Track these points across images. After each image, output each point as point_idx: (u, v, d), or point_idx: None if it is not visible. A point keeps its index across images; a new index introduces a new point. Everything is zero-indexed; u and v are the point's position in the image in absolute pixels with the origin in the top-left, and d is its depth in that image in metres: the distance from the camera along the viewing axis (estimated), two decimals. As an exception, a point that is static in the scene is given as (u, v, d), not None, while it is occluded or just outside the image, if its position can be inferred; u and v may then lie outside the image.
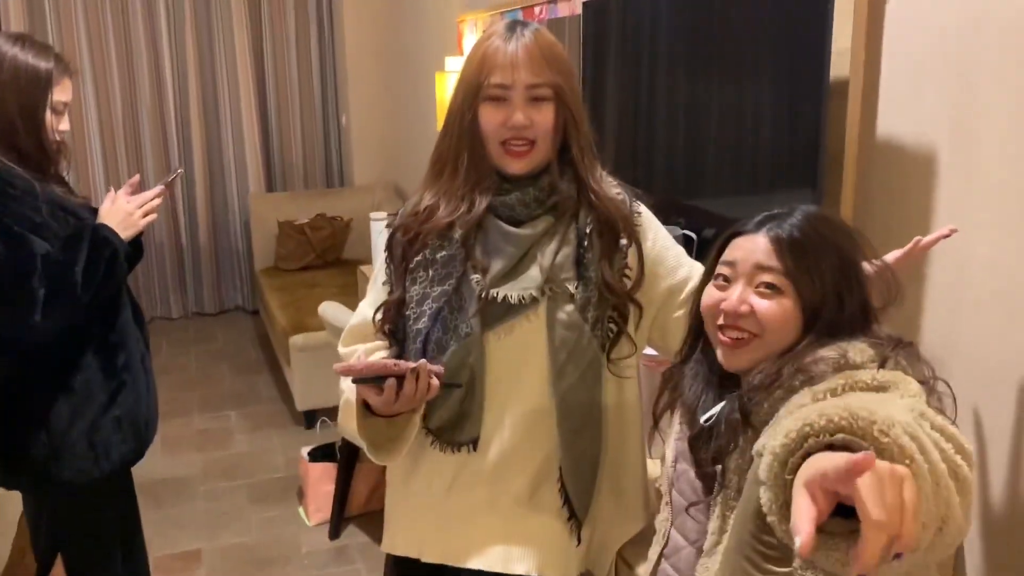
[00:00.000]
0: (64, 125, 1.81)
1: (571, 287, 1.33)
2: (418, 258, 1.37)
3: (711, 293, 1.16)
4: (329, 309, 2.76)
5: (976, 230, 1.43)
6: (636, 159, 2.24)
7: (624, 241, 1.37)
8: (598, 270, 1.34)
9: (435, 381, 1.27)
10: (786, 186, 1.77)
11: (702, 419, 1.16)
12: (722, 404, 1.14)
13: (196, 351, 4.80)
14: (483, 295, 1.32)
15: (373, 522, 2.93)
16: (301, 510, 3.08)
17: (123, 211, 1.84)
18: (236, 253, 5.42)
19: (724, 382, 1.18)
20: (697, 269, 1.42)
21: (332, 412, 3.19)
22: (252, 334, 5.07)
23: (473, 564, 1.38)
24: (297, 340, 3.62)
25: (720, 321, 1.14)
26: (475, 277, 1.33)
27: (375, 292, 1.46)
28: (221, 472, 3.40)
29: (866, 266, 1.15)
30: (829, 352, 1.04)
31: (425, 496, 1.44)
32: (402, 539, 1.49)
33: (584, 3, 2.39)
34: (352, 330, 1.49)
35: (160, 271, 5.29)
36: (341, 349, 1.50)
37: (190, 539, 2.93)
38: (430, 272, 1.36)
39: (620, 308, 1.37)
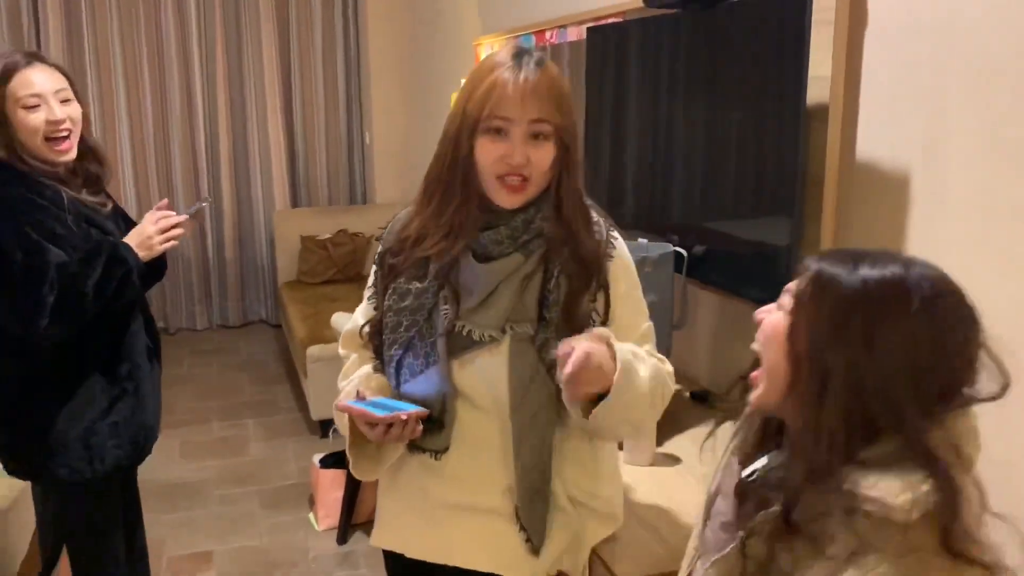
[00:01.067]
0: (42, 116, 1.83)
1: (530, 328, 1.36)
2: (395, 284, 1.43)
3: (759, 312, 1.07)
4: (340, 319, 2.85)
5: (946, 247, 1.49)
6: (630, 177, 2.32)
7: (595, 283, 1.38)
8: (560, 312, 1.35)
9: (420, 426, 1.35)
10: (768, 207, 1.83)
11: (744, 473, 1.09)
12: (764, 461, 1.07)
13: (219, 362, 4.93)
14: (452, 328, 1.37)
15: (382, 552, 3.00)
16: (311, 516, 3.17)
17: (144, 233, 1.91)
18: (261, 267, 5.56)
19: (770, 435, 1.10)
20: (651, 331, 1.46)
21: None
22: (274, 346, 5.19)
23: (447, 562, 1.46)
24: (314, 351, 3.72)
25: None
26: (444, 309, 1.37)
27: (367, 301, 1.54)
28: (236, 478, 3.50)
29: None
30: (871, 492, 0.89)
31: (407, 496, 1.51)
32: (388, 534, 1.56)
33: (588, 28, 2.48)
34: (347, 335, 1.57)
35: (186, 283, 5.44)
36: (340, 351, 1.59)
37: (203, 541, 3.03)
38: (406, 301, 1.41)
39: None
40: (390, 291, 1.44)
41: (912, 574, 0.87)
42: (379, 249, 1.50)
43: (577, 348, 1.19)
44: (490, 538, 1.44)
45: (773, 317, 1.00)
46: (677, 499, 1.69)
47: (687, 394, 2.23)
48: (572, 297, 1.36)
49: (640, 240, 2.09)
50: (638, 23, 2.23)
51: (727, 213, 1.99)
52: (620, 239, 1.45)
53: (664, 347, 1.99)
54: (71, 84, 1.95)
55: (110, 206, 2.01)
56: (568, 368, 1.19)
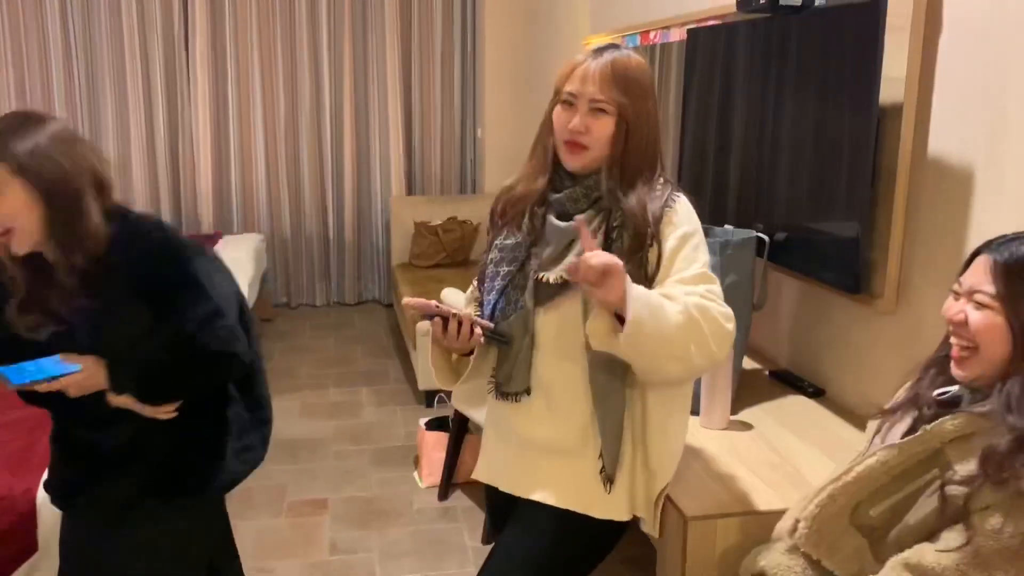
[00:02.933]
0: None
1: None
2: (496, 240, 1.69)
3: (947, 302, 1.31)
4: (450, 294, 3.12)
5: (1002, 238, 1.62)
6: (722, 170, 2.49)
7: (651, 239, 1.56)
8: (624, 260, 1.51)
9: (478, 330, 1.59)
10: (844, 198, 1.98)
11: (934, 394, 1.34)
12: (956, 388, 1.32)
13: (335, 335, 5.32)
14: (536, 277, 1.61)
15: (478, 489, 3.26)
16: (415, 474, 3.46)
17: None
18: (376, 250, 5.94)
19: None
20: (708, 271, 1.58)
21: (449, 392, 3.56)
22: (386, 324, 5.55)
23: (530, 496, 1.67)
24: (422, 326, 4.01)
25: (949, 329, 1.30)
26: (533, 262, 1.62)
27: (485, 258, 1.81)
28: (350, 437, 3.84)
29: None
30: None
31: (500, 435, 1.75)
32: (484, 468, 1.80)
33: (688, 29, 2.67)
34: (467, 295, 1.85)
35: (308, 262, 5.87)
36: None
37: (320, 489, 3.36)
38: (503, 253, 1.68)
39: None
40: (492, 246, 1.71)
41: None
42: (494, 204, 1.76)
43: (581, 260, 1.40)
44: (568, 477, 1.64)
45: (978, 315, 1.23)
46: (743, 456, 1.88)
47: (766, 372, 2.40)
48: (631, 251, 1.56)
49: (726, 227, 2.27)
50: (733, 26, 2.40)
51: (807, 203, 2.14)
52: (683, 198, 1.62)
53: (744, 327, 2.17)
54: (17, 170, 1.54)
55: None
56: (576, 263, 1.41)
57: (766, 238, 2.20)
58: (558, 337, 1.62)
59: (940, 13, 1.78)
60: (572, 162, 1.60)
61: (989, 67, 1.66)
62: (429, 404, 4.12)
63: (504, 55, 5.47)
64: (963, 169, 1.73)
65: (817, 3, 2.03)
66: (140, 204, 5.59)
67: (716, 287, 1.57)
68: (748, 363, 2.43)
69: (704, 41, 2.57)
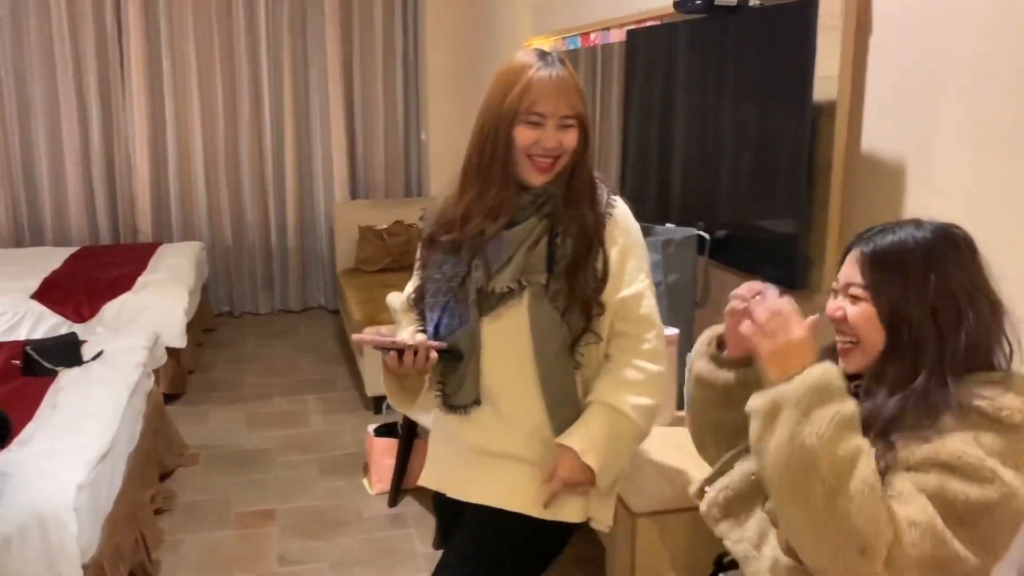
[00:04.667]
0: None
1: (542, 279, 1.58)
2: (435, 257, 1.67)
3: (828, 303, 1.33)
4: (394, 298, 3.09)
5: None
6: (662, 168, 2.51)
7: (596, 245, 1.59)
8: (566, 267, 1.57)
9: (434, 354, 1.58)
10: (780, 195, 2.02)
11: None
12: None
13: (280, 343, 5.24)
14: (481, 288, 1.60)
15: (428, 494, 3.22)
16: (365, 481, 3.42)
17: None
18: (320, 256, 5.87)
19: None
20: (649, 289, 1.65)
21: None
22: (332, 330, 5.48)
23: (482, 501, 1.67)
24: (369, 331, 3.98)
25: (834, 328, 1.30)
26: (476, 275, 1.60)
27: (414, 274, 1.79)
28: (297, 446, 3.78)
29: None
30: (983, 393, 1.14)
31: (447, 443, 1.75)
32: (432, 475, 1.79)
33: (628, 30, 2.69)
34: (401, 303, 1.82)
35: (251, 270, 5.77)
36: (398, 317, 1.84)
37: (267, 500, 3.30)
38: (444, 270, 1.65)
39: (584, 307, 1.59)
40: (431, 264, 1.68)
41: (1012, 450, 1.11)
42: (422, 230, 1.73)
43: (554, 481, 1.58)
44: (518, 480, 1.64)
45: (854, 309, 1.24)
46: (690, 451, 1.88)
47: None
48: (575, 257, 1.57)
49: (668, 225, 2.29)
50: (671, 27, 2.43)
51: (746, 201, 2.17)
52: (620, 204, 1.66)
53: (687, 323, 2.19)
54: None
55: None
56: (545, 501, 1.59)
57: (707, 236, 2.22)
58: (504, 345, 1.62)
59: (870, 13, 1.82)
60: (540, 178, 1.58)
61: (918, 65, 1.70)
62: (378, 410, 4.08)
63: (446, 58, 5.45)
64: (896, 164, 1.77)
65: (752, 3, 2.06)
66: (76, 214, 5.44)
67: (648, 309, 1.64)
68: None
69: (643, 42, 2.59)
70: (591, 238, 1.59)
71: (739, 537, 1.32)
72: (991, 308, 1.20)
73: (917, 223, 1.24)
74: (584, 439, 1.57)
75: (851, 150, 1.90)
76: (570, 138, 1.56)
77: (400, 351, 1.56)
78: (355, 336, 1.60)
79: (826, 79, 1.89)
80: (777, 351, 1.20)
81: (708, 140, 2.29)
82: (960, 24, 1.60)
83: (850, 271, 1.26)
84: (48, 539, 2.14)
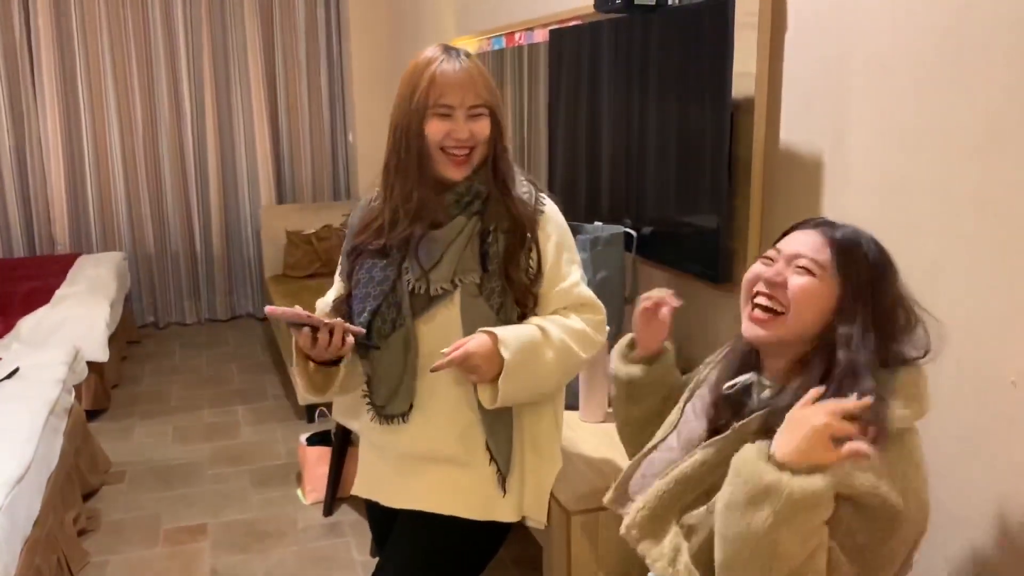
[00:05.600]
0: None
1: (476, 278, 1.57)
2: (363, 262, 1.63)
3: (754, 268, 1.33)
4: (323, 303, 3.04)
5: (850, 221, 1.70)
6: (586, 167, 2.53)
7: (529, 237, 1.59)
8: (500, 263, 1.57)
9: (350, 338, 1.54)
10: (703, 190, 2.04)
11: (725, 386, 1.35)
12: (743, 377, 1.34)
13: (208, 354, 5.11)
14: (412, 290, 1.58)
15: (363, 502, 3.20)
16: (299, 491, 3.36)
17: None
18: (247, 262, 5.75)
19: (748, 358, 1.37)
20: (582, 281, 1.67)
21: (330, 405, 3.47)
22: (261, 339, 5.38)
23: (416, 507, 1.65)
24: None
25: (757, 287, 1.29)
26: (408, 278, 1.58)
27: (337, 280, 1.75)
28: (227, 458, 3.69)
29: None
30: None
31: (378, 450, 1.72)
32: (365, 484, 1.77)
33: (551, 30, 2.69)
34: (324, 311, 1.76)
35: (175, 279, 5.62)
36: None
37: (197, 515, 3.21)
38: (373, 273, 1.62)
39: (520, 299, 1.60)
40: (358, 269, 1.64)
41: None
42: (346, 235, 1.70)
43: (460, 348, 1.50)
44: (450, 483, 1.63)
45: (800, 280, 1.25)
46: (617, 446, 1.90)
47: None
48: (509, 251, 1.57)
49: (596, 223, 2.31)
50: (591, 26, 2.44)
51: (671, 197, 2.20)
52: (549, 201, 1.67)
53: (617, 320, 2.21)
54: None
55: None
56: (440, 363, 1.50)
57: (634, 233, 2.24)
58: (438, 347, 1.59)
59: (785, 11, 1.86)
60: (459, 173, 1.57)
61: (831, 61, 1.75)
62: (310, 419, 4.01)
63: (371, 58, 5.40)
64: (813, 159, 1.82)
65: (671, 3, 2.08)
66: (-14, 225, 5.22)
67: (588, 293, 1.65)
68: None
69: (566, 42, 2.60)
70: (523, 229, 1.59)
71: (658, 555, 1.32)
72: (910, 317, 1.25)
73: (857, 228, 1.29)
74: (507, 334, 1.53)
75: (770, 145, 1.94)
76: (481, 127, 1.56)
77: (315, 328, 1.52)
78: (268, 308, 1.52)
79: (744, 76, 1.92)
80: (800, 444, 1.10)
81: (633, 138, 2.31)
82: (868, 21, 1.64)
83: (806, 247, 1.26)
84: (-38, 567, 2.05)
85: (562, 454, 1.72)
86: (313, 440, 3.32)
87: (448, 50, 1.57)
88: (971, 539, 1.48)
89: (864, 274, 1.24)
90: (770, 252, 1.33)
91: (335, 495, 3.22)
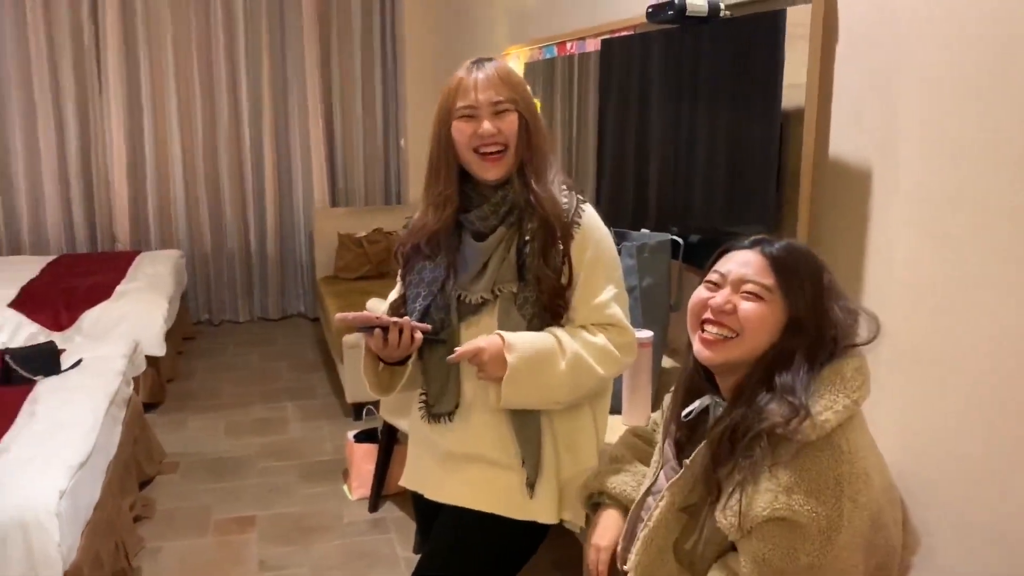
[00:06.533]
0: None
1: (513, 288, 1.63)
2: (415, 265, 1.72)
3: (700, 294, 1.38)
4: (374, 304, 3.12)
5: (896, 231, 1.72)
6: (637, 175, 2.56)
7: (560, 240, 1.63)
8: (533, 271, 1.62)
9: (418, 335, 1.60)
10: (751, 199, 2.06)
11: (682, 413, 1.42)
12: (698, 402, 1.40)
13: (259, 351, 5.24)
14: (457, 296, 1.66)
15: (408, 499, 3.26)
16: (345, 487, 3.44)
17: None
18: (299, 263, 5.88)
19: (702, 380, 1.43)
20: (619, 297, 1.70)
21: (377, 403, 3.55)
22: (311, 338, 5.49)
23: (456, 503, 1.71)
24: (349, 338, 3.99)
25: (706, 315, 1.36)
26: (451, 283, 1.66)
27: (397, 283, 1.83)
28: (276, 453, 3.78)
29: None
30: (777, 407, 1.23)
31: (425, 446, 1.78)
32: (411, 477, 1.83)
33: (602, 40, 2.73)
34: (384, 310, 1.84)
35: (230, 278, 5.77)
36: None
37: (246, 507, 3.31)
38: (423, 276, 1.70)
39: (550, 305, 1.64)
40: (411, 272, 1.72)
41: None
42: (398, 243, 1.79)
43: (473, 345, 1.58)
44: (489, 482, 1.69)
45: (750, 306, 1.30)
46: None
47: (685, 371, 2.46)
48: (540, 260, 1.61)
49: (643, 230, 2.34)
50: (643, 37, 2.48)
51: (719, 206, 2.22)
52: (590, 210, 1.70)
53: (661, 326, 2.24)
54: None
55: None
56: (454, 356, 1.58)
57: (680, 240, 2.26)
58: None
59: (836, 23, 1.87)
60: (493, 172, 1.63)
61: (880, 73, 1.76)
62: (357, 417, 4.09)
63: (425, 65, 5.49)
64: (861, 170, 1.83)
65: (723, 14, 2.11)
66: (53, 222, 5.42)
67: (618, 314, 1.67)
68: (667, 362, 2.49)
69: (617, 51, 2.64)
70: (551, 229, 1.62)
71: None
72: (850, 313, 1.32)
73: (790, 241, 1.37)
74: (517, 339, 1.59)
75: (819, 156, 1.95)
76: (507, 123, 1.62)
77: (385, 329, 1.58)
78: (339, 315, 1.59)
79: (795, 87, 1.94)
80: None
81: (682, 147, 2.34)
82: (917, 34, 1.65)
83: (750, 270, 1.31)
84: (30, 545, 2.14)
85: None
86: (360, 437, 3.40)
87: (477, 61, 1.65)
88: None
89: (807, 289, 1.30)
90: (712, 276, 1.37)
91: (380, 492, 3.28)
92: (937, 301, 1.61)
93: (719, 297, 1.32)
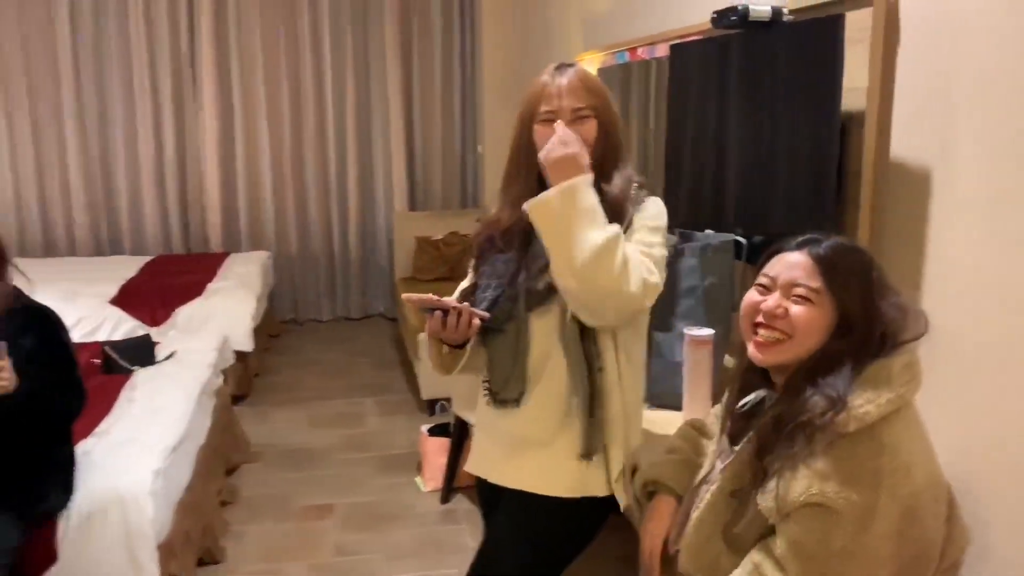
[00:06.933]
0: None
1: None
2: (487, 257, 1.81)
3: (751, 296, 1.43)
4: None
5: (957, 234, 1.73)
6: (703, 177, 2.60)
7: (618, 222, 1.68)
8: None
9: (476, 321, 1.69)
10: (814, 201, 2.09)
11: (737, 405, 1.47)
12: (753, 395, 1.45)
13: (341, 349, 5.44)
14: (529, 287, 1.73)
15: (476, 481, 3.36)
16: (418, 479, 3.56)
17: None
18: (380, 265, 6.07)
19: (757, 375, 1.47)
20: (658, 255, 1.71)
21: (450, 399, 3.67)
22: (390, 337, 5.66)
23: (519, 487, 1.79)
24: (424, 337, 4.13)
25: (758, 319, 1.40)
26: (523, 273, 1.73)
27: (468, 273, 1.92)
28: (354, 445, 3.95)
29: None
30: (819, 400, 1.28)
31: (490, 433, 1.87)
32: (476, 462, 1.92)
33: (671, 45, 2.79)
34: (454, 298, 1.95)
35: (314, 279, 6.01)
36: None
37: (325, 495, 3.46)
38: (496, 268, 1.78)
39: None
40: (484, 263, 1.82)
41: None
42: (473, 235, 1.88)
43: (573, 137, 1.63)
44: (549, 466, 1.76)
45: (800, 309, 1.34)
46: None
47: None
48: None
49: (707, 231, 2.38)
50: (711, 41, 2.52)
51: (781, 207, 2.25)
52: (652, 200, 1.77)
53: (724, 324, 2.28)
54: None
55: None
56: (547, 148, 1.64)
57: (744, 241, 2.30)
58: (545, 338, 1.74)
59: (898, 26, 1.89)
60: None
61: (939, 75, 1.77)
62: (431, 412, 4.22)
63: (502, 73, 5.61)
64: (921, 171, 1.84)
65: (785, 19, 2.14)
66: (151, 226, 5.74)
67: (660, 254, 1.70)
68: (730, 360, 2.53)
69: (685, 56, 2.69)
70: (615, 215, 1.67)
71: None
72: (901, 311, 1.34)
73: (838, 239, 1.39)
74: (593, 199, 1.62)
75: (880, 158, 1.96)
76: (587, 129, 1.69)
77: (445, 312, 1.68)
78: (405, 295, 1.69)
79: (857, 90, 1.96)
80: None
81: (747, 150, 2.38)
82: (975, 37, 1.66)
83: (797, 273, 1.35)
84: (127, 519, 2.32)
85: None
86: (434, 431, 3.52)
87: (560, 66, 1.73)
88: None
89: (855, 286, 1.32)
90: (762, 279, 1.41)
91: (452, 484, 3.40)
92: (998, 302, 1.62)
93: (770, 301, 1.37)
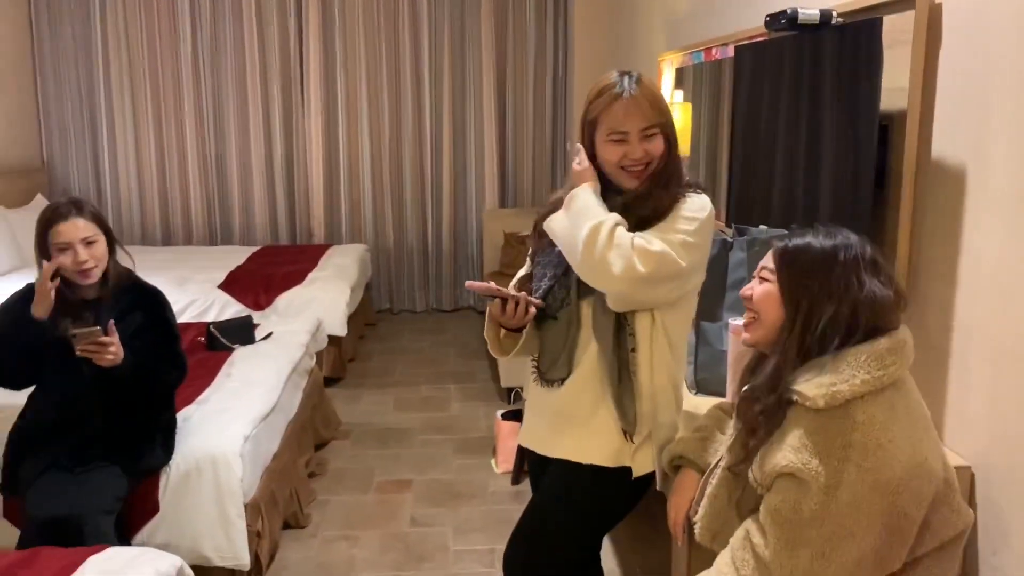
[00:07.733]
0: (67, 260, 2.35)
1: None
2: (547, 249, 1.94)
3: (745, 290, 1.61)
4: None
5: (990, 232, 1.77)
6: (754, 171, 2.68)
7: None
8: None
9: (532, 309, 1.84)
10: (857, 199, 2.15)
11: (743, 389, 1.61)
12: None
13: (431, 339, 5.69)
14: (578, 276, 1.84)
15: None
16: (492, 461, 3.75)
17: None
18: (471, 259, 6.30)
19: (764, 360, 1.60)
20: (684, 244, 1.78)
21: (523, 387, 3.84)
22: (478, 329, 5.87)
23: (564, 456, 1.94)
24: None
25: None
26: None
27: (528, 261, 2.08)
28: (436, 428, 4.17)
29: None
30: (792, 379, 1.42)
31: (538, 408, 2.02)
32: (526, 434, 2.08)
33: (735, 46, 2.87)
34: (512, 285, 2.10)
35: (409, 271, 6.29)
36: None
37: (405, 471, 3.69)
38: (551, 258, 1.92)
39: None
40: (541, 252, 1.96)
41: None
42: (536, 218, 2.02)
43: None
44: (589, 439, 1.90)
45: (762, 287, 1.51)
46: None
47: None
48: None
49: (760, 227, 2.47)
50: (770, 43, 2.60)
51: (827, 205, 2.32)
52: (697, 195, 1.86)
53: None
54: (101, 226, 2.43)
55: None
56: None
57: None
58: (594, 322, 1.88)
59: (940, 29, 1.94)
60: (635, 183, 1.83)
61: (975, 76, 1.82)
62: (510, 400, 4.40)
63: (591, 73, 5.73)
64: (958, 171, 1.89)
65: (834, 22, 2.21)
66: (260, 218, 6.14)
67: (669, 251, 1.75)
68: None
69: (747, 57, 2.77)
70: (657, 215, 1.80)
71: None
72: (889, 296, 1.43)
73: (829, 231, 1.50)
74: (592, 201, 1.80)
75: (921, 158, 2.01)
76: (655, 146, 1.81)
77: (504, 300, 1.83)
78: (468, 283, 1.85)
79: (898, 90, 2.02)
80: None
81: (799, 148, 2.45)
82: (1008, 39, 1.71)
83: (766, 259, 1.52)
84: (218, 477, 2.59)
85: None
86: (508, 416, 3.69)
87: (623, 75, 1.82)
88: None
89: (808, 282, 1.43)
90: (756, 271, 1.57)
91: (522, 467, 3.56)
92: None
93: (746, 286, 1.56)
